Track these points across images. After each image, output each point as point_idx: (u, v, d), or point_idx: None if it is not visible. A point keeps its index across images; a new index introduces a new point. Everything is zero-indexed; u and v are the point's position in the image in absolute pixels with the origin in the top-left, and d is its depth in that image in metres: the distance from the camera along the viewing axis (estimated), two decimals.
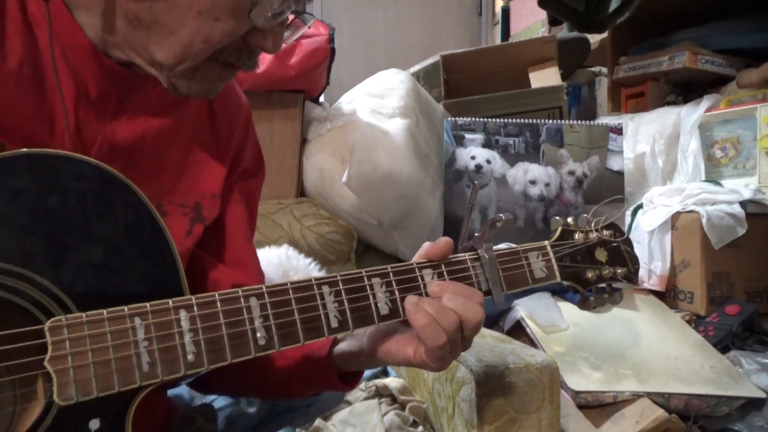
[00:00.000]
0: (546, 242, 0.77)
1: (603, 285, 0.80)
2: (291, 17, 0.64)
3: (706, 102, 1.73)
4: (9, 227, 0.50)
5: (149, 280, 0.56)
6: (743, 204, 1.44)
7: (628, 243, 0.83)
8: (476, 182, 0.83)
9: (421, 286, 0.66)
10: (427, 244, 0.69)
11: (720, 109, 1.69)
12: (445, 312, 0.63)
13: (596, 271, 0.79)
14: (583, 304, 0.80)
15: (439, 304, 0.64)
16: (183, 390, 1.04)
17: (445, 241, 0.69)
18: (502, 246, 0.76)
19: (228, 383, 0.82)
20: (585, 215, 0.82)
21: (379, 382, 1.02)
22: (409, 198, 1.62)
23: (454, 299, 0.64)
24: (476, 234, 0.72)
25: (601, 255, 0.80)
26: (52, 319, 0.49)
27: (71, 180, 0.54)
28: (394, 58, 3.08)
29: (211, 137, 0.76)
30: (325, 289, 0.61)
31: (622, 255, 0.82)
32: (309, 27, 0.68)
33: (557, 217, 0.81)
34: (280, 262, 1.31)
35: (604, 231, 0.81)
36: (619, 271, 0.80)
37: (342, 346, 0.72)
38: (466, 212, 0.78)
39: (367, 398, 1.00)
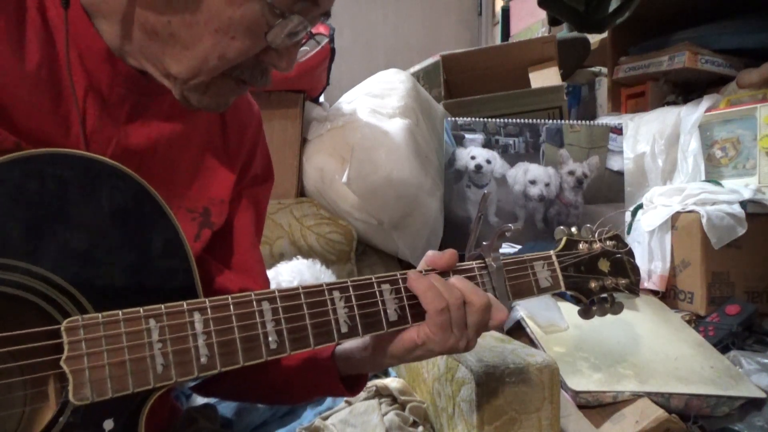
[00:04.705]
0: (551, 252, 0.78)
1: (605, 295, 0.81)
2: (305, 37, 0.64)
3: (706, 102, 1.73)
4: (22, 224, 0.51)
5: (163, 279, 0.57)
6: (743, 204, 1.44)
7: (631, 254, 0.85)
8: (486, 192, 0.84)
9: None
10: (431, 253, 0.70)
11: (720, 109, 1.69)
12: (449, 285, 0.65)
13: (599, 282, 0.80)
14: (586, 314, 0.81)
15: (444, 280, 0.66)
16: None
17: (450, 252, 0.70)
18: (502, 247, 0.77)
19: (230, 387, 0.82)
20: (588, 225, 0.83)
21: (379, 382, 1.02)
22: (409, 198, 1.62)
23: (462, 281, 0.67)
24: (484, 243, 0.73)
25: (603, 265, 0.81)
26: (69, 319, 0.50)
27: (85, 179, 0.54)
28: (394, 58, 3.07)
29: (222, 143, 0.76)
30: (336, 294, 0.61)
31: (625, 266, 0.83)
32: (321, 46, 0.70)
33: (562, 227, 0.82)
34: (308, 268, 1.38)
35: (608, 241, 0.82)
36: (622, 281, 0.81)
37: (345, 345, 0.73)
38: (475, 221, 0.79)
39: (367, 398, 1.00)
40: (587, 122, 1.75)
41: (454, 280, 0.67)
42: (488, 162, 1.72)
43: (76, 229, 0.53)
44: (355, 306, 0.62)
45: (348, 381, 0.74)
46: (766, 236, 1.45)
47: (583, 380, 1.06)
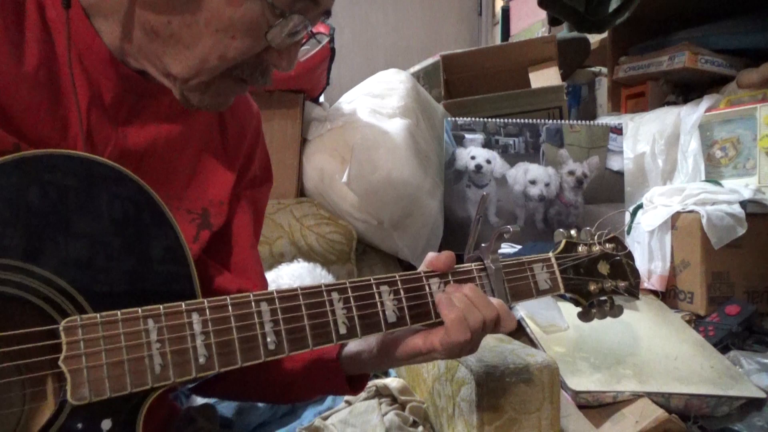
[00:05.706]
0: (550, 254, 0.78)
1: (604, 298, 0.81)
2: (305, 36, 0.64)
3: (706, 102, 1.73)
4: (22, 224, 0.51)
5: (162, 281, 0.57)
6: (743, 204, 1.44)
7: (630, 257, 0.85)
8: (485, 194, 0.84)
9: (428, 294, 0.67)
10: (431, 255, 0.70)
11: (720, 109, 1.69)
12: (475, 316, 0.65)
13: (598, 284, 0.80)
14: (585, 317, 0.81)
15: (468, 300, 0.66)
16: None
17: (447, 254, 0.70)
18: (503, 247, 0.77)
19: (231, 387, 0.82)
20: (588, 228, 0.83)
21: (379, 382, 1.02)
22: (409, 198, 1.61)
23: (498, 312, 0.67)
24: (483, 245, 0.73)
25: (603, 268, 0.81)
26: (67, 319, 0.50)
27: (85, 180, 0.54)
28: (394, 58, 3.08)
29: (221, 144, 0.76)
30: (335, 295, 0.61)
31: (624, 268, 0.83)
32: (322, 45, 0.70)
33: (561, 230, 0.82)
34: (309, 272, 1.37)
35: (607, 244, 0.82)
36: (621, 284, 0.81)
37: (350, 347, 0.73)
38: (474, 223, 0.79)
39: (367, 398, 1.00)
40: (587, 122, 1.75)
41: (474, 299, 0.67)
42: (488, 162, 1.72)
43: (76, 231, 0.53)
44: (353, 307, 0.62)
45: (351, 380, 0.74)
46: (766, 236, 1.45)
47: (583, 380, 1.06)
